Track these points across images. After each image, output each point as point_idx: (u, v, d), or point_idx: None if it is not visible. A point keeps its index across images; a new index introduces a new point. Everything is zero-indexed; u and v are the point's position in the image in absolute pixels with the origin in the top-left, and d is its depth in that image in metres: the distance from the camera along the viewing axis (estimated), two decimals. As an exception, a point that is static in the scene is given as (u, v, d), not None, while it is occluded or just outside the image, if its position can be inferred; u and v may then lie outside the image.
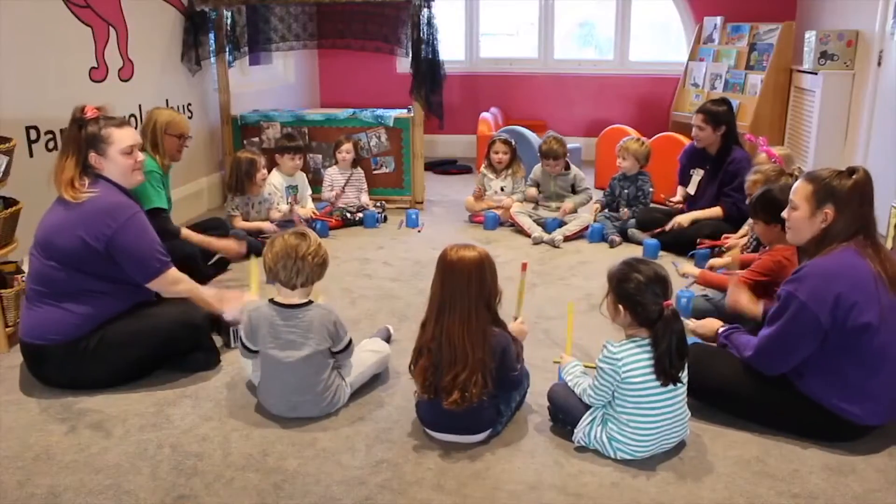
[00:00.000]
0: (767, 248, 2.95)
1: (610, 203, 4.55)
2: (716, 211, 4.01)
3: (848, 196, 2.16)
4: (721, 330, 2.51)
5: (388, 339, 2.89)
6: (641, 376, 2.05)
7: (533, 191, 4.69)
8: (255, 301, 2.49)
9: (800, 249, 2.95)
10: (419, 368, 2.20)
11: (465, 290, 2.13)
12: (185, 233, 3.49)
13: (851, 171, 2.19)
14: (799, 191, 2.26)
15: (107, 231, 2.46)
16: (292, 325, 2.33)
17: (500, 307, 2.24)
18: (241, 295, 2.89)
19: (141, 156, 2.70)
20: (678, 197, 4.35)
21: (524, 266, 2.71)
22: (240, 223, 4.17)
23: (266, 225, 4.19)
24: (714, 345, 2.52)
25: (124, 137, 2.62)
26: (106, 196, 2.52)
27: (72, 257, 2.47)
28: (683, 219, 4.07)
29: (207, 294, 2.81)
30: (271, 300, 2.39)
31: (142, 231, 2.56)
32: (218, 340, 2.88)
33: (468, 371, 2.12)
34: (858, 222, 2.16)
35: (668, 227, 4.11)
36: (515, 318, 2.54)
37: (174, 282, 2.65)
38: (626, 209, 4.42)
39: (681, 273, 3.21)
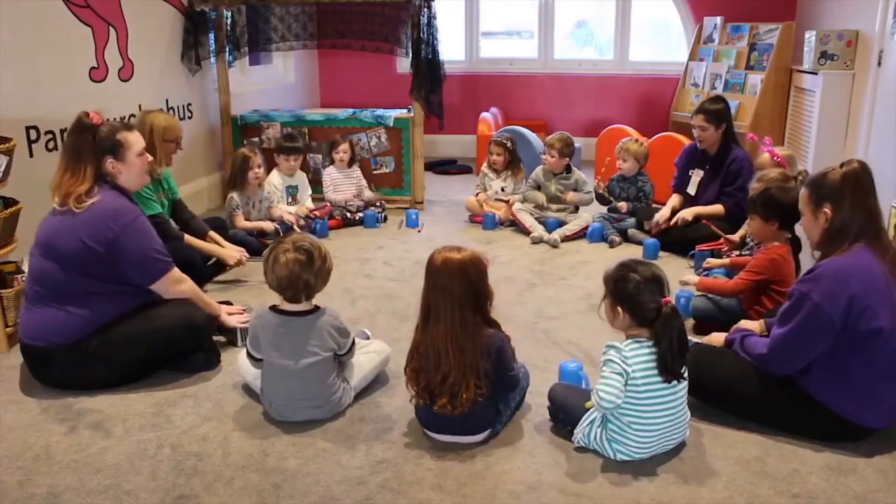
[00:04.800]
0: (762, 246, 2.96)
1: (608, 202, 4.54)
2: (717, 208, 3.99)
3: (840, 190, 2.14)
4: (731, 336, 2.47)
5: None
6: (643, 376, 2.04)
7: (538, 196, 4.65)
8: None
9: (794, 250, 2.98)
10: (410, 372, 2.20)
11: (449, 292, 2.11)
12: (188, 239, 3.46)
13: (843, 164, 2.18)
14: (802, 197, 2.27)
15: (109, 235, 2.45)
16: (296, 332, 2.31)
17: (493, 308, 2.23)
18: (243, 311, 2.90)
19: (150, 156, 2.72)
20: (667, 212, 4.20)
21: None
22: (241, 222, 4.16)
23: (267, 224, 4.19)
24: (713, 345, 2.52)
25: (138, 140, 2.65)
26: (107, 200, 2.51)
27: (72, 260, 2.46)
28: (687, 213, 4.04)
29: (209, 299, 2.81)
30: (273, 307, 2.37)
31: (144, 234, 2.55)
32: (220, 340, 2.88)
33: (455, 375, 2.11)
34: (861, 215, 2.13)
35: (672, 222, 4.09)
36: None
37: (176, 282, 2.65)
38: (623, 202, 4.41)
39: (681, 281, 3.19)
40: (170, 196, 3.61)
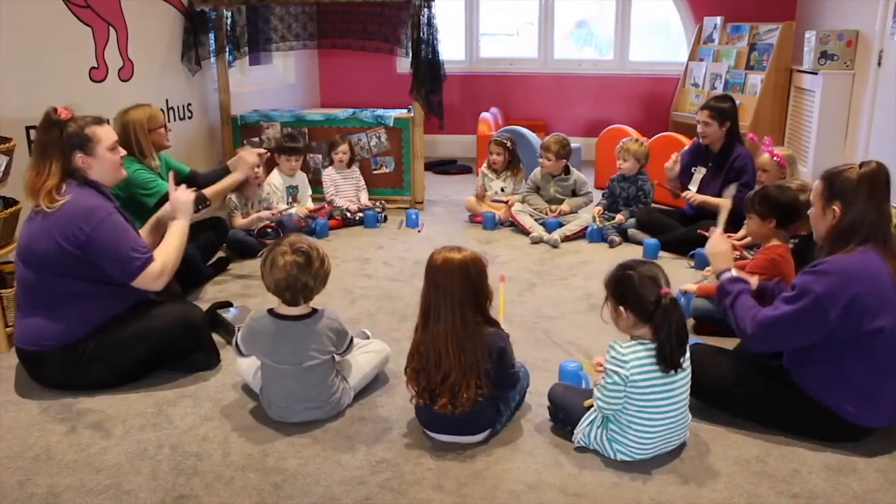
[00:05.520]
0: (761, 247, 2.96)
1: (610, 205, 4.54)
2: (725, 202, 3.99)
3: (853, 190, 2.13)
4: (727, 285, 2.32)
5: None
6: (643, 378, 2.04)
7: (540, 201, 4.64)
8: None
9: (795, 250, 2.98)
10: (411, 372, 2.20)
11: (449, 292, 2.11)
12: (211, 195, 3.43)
13: (862, 164, 2.17)
14: (815, 189, 2.26)
15: (80, 235, 2.41)
16: (295, 338, 2.30)
17: (492, 308, 2.23)
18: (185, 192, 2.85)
19: (122, 150, 2.68)
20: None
21: (502, 277, 2.72)
22: (240, 221, 4.16)
23: (264, 213, 4.19)
24: (713, 345, 2.51)
25: (108, 134, 2.60)
26: (79, 199, 2.47)
27: (49, 262, 2.44)
28: (698, 197, 4.05)
29: (177, 226, 2.74)
30: (270, 311, 2.35)
31: (117, 233, 2.49)
32: (220, 341, 2.88)
33: (455, 375, 2.11)
34: (871, 217, 2.12)
35: (683, 194, 4.08)
36: None
37: (158, 276, 2.57)
38: (621, 213, 4.41)
39: (682, 290, 3.18)
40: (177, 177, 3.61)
